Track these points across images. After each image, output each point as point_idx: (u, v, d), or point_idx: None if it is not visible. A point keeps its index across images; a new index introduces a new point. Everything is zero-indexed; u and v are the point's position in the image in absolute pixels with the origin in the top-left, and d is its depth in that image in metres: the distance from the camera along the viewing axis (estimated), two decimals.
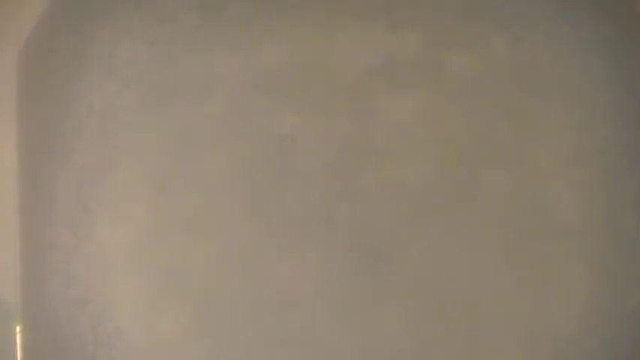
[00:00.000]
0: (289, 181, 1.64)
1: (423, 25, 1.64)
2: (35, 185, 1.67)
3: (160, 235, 1.66)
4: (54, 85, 1.69)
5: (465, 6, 1.64)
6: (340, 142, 1.64)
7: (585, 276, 1.58)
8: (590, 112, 1.60)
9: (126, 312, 1.65)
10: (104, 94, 1.68)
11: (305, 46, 1.66)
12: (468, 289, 1.60)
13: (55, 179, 1.68)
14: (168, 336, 1.64)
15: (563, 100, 1.61)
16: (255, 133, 1.66)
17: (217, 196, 1.66)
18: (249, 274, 1.64)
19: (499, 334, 1.59)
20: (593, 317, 1.57)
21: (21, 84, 1.65)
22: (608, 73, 1.60)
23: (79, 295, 1.66)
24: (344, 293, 1.62)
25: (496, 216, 1.60)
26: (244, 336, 1.64)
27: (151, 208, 1.66)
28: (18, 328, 1.63)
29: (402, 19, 1.65)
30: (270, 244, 1.64)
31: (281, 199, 1.65)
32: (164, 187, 1.67)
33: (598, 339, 1.57)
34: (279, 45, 1.66)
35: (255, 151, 1.65)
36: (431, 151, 1.63)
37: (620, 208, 1.58)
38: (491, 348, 1.59)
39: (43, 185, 1.68)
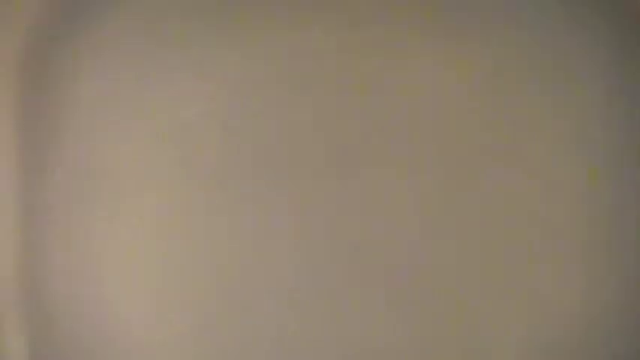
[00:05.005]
0: (288, 181, 1.64)
1: (423, 24, 1.64)
2: (35, 185, 1.67)
3: (159, 234, 1.66)
4: (54, 85, 1.69)
5: (465, 4, 1.64)
6: (339, 141, 1.64)
7: (585, 276, 1.58)
8: (590, 112, 1.60)
9: (125, 312, 1.65)
10: (103, 94, 1.68)
11: (304, 46, 1.66)
12: (467, 289, 1.60)
13: (54, 180, 1.68)
14: (168, 335, 1.64)
15: (563, 100, 1.61)
16: (252, 133, 1.66)
17: (216, 194, 1.66)
18: (250, 274, 1.64)
19: (498, 335, 1.59)
20: (593, 318, 1.57)
21: (21, 84, 1.65)
22: (608, 73, 1.60)
23: (77, 295, 1.66)
24: (343, 294, 1.62)
25: (495, 216, 1.60)
26: (246, 336, 1.64)
27: (150, 207, 1.66)
28: (18, 329, 1.63)
29: (402, 19, 1.65)
30: (268, 244, 1.64)
31: (280, 198, 1.65)
32: (163, 186, 1.67)
33: (598, 340, 1.57)
34: (277, 44, 1.66)
35: (253, 151, 1.65)
36: (431, 151, 1.62)
37: (620, 208, 1.58)
38: (491, 348, 1.59)
39: (43, 184, 1.68)
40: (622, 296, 1.57)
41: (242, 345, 1.64)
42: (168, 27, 1.68)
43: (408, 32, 1.64)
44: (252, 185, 1.65)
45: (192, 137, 1.67)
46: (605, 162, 1.59)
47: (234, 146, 1.66)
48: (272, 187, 1.65)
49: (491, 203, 1.60)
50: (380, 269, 1.62)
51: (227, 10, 1.67)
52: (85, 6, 1.68)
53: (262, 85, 1.66)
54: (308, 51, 1.65)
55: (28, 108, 1.67)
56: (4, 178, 1.64)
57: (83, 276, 1.67)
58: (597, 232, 1.58)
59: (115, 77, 1.68)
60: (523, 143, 1.61)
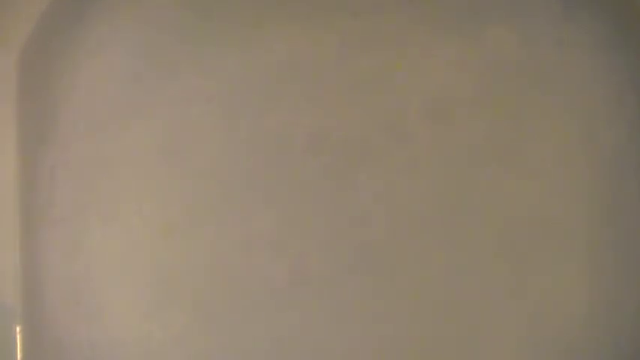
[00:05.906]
0: (286, 181, 1.65)
1: (423, 23, 1.64)
2: (34, 186, 1.67)
3: (159, 234, 1.67)
4: (54, 85, 1.69)
5: (465, 2, 1.64)
6: (338, 141, 1.64)
7: (585, 276, 1.57)
8: (591, 112, 1.60)
9: (123, 313, 1.66)
10: (103, 95, 1.69)
11: (302, 45, 1.66)
12: (468, 290, 1.60)
13: (53, 180, 1.69)
14: (164, 338, 1.64)
15: (564, 100, 1.61)
16: (251, 133, 1.66)
17: (213, 197, 1.66)
18: (246, 276, 1.64)
19: (499, 336, 1.59)
20: (594, 318, 1.57)
21: (21, 84, 1.66)
22: (609, 73, 1.60)
23: (77, 296, 1.67)
24: (343, 293, 1.62)
25: (496, 216, 1.60)
26: (241, 338, 1.64)
27: (150, 207, 1.67)
28: (18, 328, 1.63)
29: (401, 17, 1.65)
30: (266, 246, 1.64)
31: (278, 199, 1.65)
32: (162, 186, 1.67)
33: (598, 340, 1.57)
34: (276, 43, 1.66)
35: (252, 153, 1.66)
36: (430, 151, 1.63)
37: (621, 209, 1.58)
38: (492, 349, 1.59)
39: (42, 186, 1.68)
40: (625, 296, 1.57)
41: (239, 349, 1.64)
42: (168, 27, 1.68)
43: (408, 27, 1.64)
44: (252, 185, 1.66)
45: (191, 137, 1.67)
46: (609, 162, 1.59)
47: (234, 146, 1.66)
48: (272, 186, 1.65)
49: (494, 203, 1.60)
50: (380, 269, 1.62)
51: (226, 7, 1.67)
52: (84, 7, 1.69)
53: (262, 84, 1.66)
54: (308, 47, 1.66)
55: (28, 108, 1.67)
56: (4, 178, 1.65)
57: (82, 276, 1.67)
58: (601, 232, 1.58)
59: (115, 77, 1.69)
60: (528, 143, 1.61)
